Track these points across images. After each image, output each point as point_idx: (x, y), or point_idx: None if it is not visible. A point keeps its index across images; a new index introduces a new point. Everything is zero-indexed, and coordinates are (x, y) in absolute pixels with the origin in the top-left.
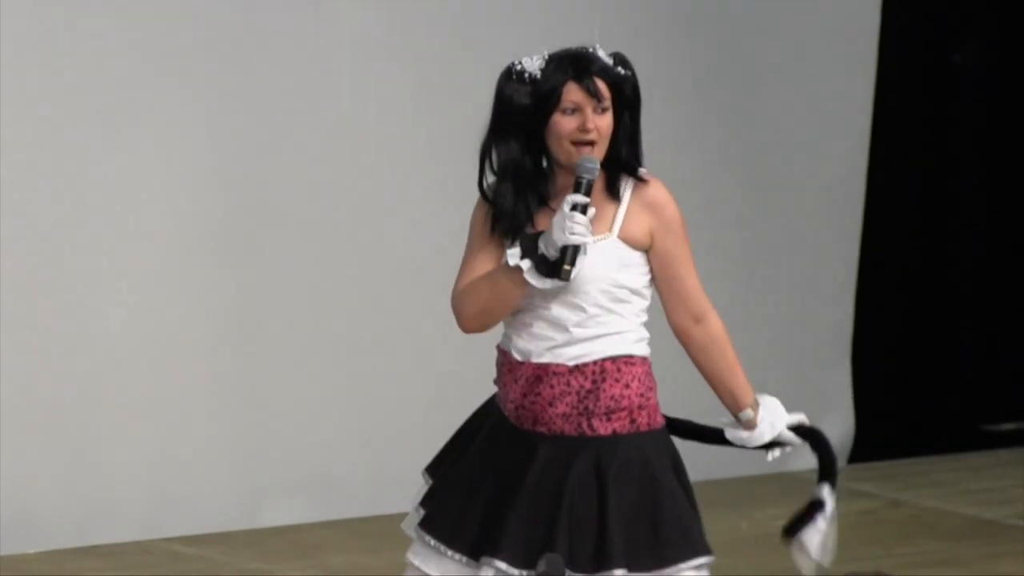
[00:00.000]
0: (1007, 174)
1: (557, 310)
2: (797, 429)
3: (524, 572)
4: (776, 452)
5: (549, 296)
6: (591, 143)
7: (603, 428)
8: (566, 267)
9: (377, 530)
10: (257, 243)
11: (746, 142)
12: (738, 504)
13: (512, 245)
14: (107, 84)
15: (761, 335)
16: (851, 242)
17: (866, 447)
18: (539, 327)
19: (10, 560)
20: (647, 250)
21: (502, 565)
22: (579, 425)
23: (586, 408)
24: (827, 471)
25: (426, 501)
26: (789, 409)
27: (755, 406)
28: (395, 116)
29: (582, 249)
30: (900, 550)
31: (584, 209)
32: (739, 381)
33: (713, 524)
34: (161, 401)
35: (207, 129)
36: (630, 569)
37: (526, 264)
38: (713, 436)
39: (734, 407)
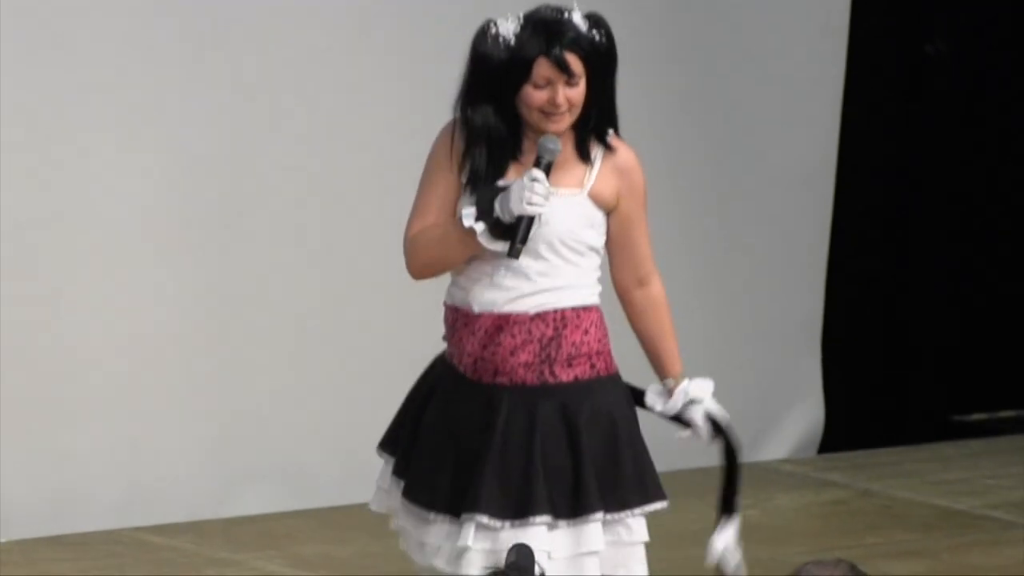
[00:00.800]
0: (979, 164)
1: (524, 264)
2: (713, 422)
3: (507, 523)
4: (684, 433)
5: None
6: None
7: (565, 375)
8: (518, 245)
9: (347, 520)
10: (227, 233)
11: (715, 131)
12: (708, 494)
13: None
14: (79, 77)
15: (731, 325)
16: (821, 232)
17: (836, 437)
18: (500, 277)
19: None
20: (609, 211)
21: (483, 519)
22: (541, 373)
23: (548, 356)
24: (730, 479)
25: (400, 471)
26: (757, 397)
27: (681, 377)
28: (372, 105)
29: (536, 220)
30: (870, 540)
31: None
32: (670, 348)
33: (683, 514)
34: (130, 390)
35: (181, 121)
36: (606, 511)
37: (480, 227)
38: (638, 399)
39: (661, 373)
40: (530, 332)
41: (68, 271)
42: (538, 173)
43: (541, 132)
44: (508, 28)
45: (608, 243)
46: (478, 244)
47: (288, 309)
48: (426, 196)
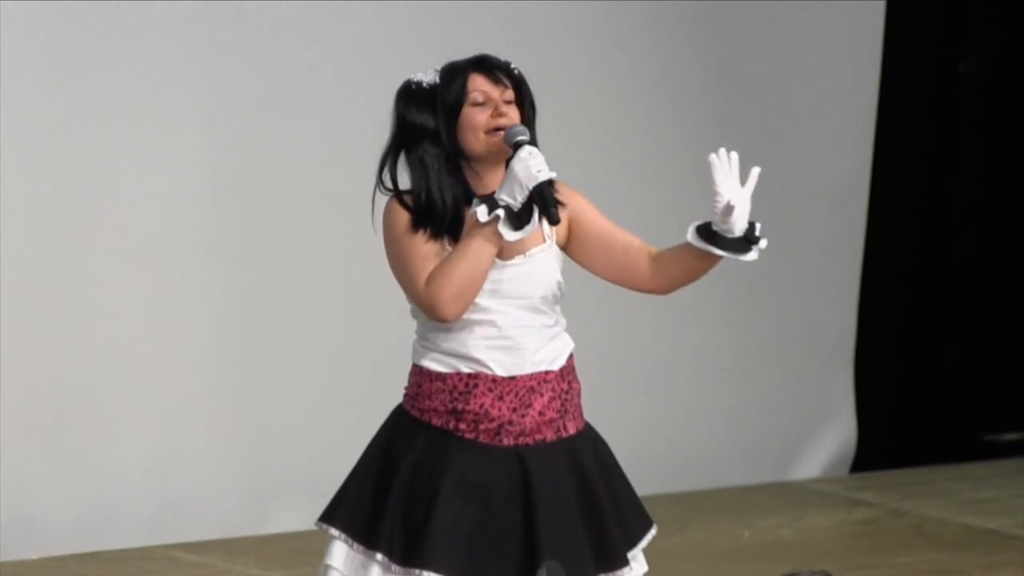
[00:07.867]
0: (1012, 182)
1: (527, 318)
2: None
3: None
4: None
5: (513, 305)
6: (506, 128)
7: (572, 427)
8: (552, 210)
9: None
10: (258, 247)
11: (749, 148)
12: (740, 513)
13: (450, 240)
14: (105, 87)
15: (763, 343)
16: (854, 250)
17: (868, 456)
18: (516, 336)
19: (11, 565)
20: (569, 241)
21: None
22: (558, 429)
23: (564, 410)
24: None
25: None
26: (789, 416)
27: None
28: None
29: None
30: (901, 559)
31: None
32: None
33: (716, 533)
34: (163, 406)
35: (207, 131)
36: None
37: (501, 213)
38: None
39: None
40: (554, 389)
41: (98, 288)
42: (530, 148)
43: (493, 161)
44: (429, 76)
45: (600, 260)
46: (497, 239)
47: (321, 326)
48: (417, 255)
